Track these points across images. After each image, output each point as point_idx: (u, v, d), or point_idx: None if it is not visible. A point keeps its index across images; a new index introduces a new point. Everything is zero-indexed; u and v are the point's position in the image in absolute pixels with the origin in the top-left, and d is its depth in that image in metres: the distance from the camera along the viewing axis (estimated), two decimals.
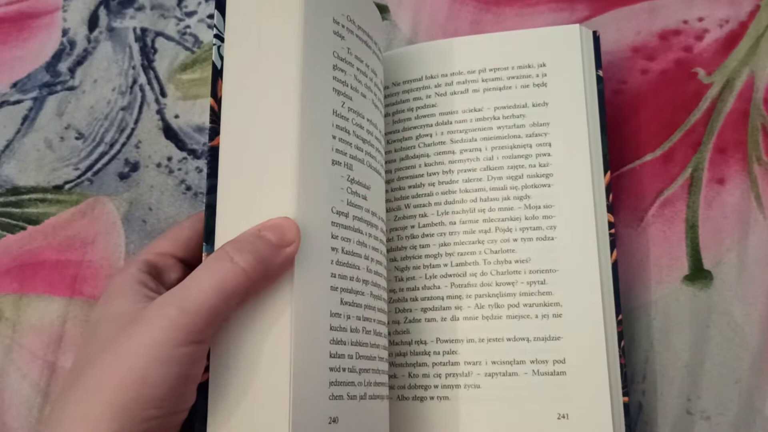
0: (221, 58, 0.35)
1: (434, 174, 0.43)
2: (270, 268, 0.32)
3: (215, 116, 0.35)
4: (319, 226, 0.34)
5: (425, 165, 0.43)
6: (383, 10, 0.49)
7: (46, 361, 0.43)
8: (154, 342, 0.30)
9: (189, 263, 0.38)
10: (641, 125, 0.46)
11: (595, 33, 0.44)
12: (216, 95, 0.35)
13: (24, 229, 0.46)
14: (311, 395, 0.32)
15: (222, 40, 0.36)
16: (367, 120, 0.38)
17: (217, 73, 0.35)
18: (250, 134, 0.34)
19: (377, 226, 0.37)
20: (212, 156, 0.34)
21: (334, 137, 0.35)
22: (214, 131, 0.35)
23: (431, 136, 0.43)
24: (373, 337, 0.36)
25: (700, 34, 0.47)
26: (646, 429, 0.42)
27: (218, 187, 0.34)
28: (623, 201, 0.45)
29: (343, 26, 0.37)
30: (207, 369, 0.32)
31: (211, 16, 0.49)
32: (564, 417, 0.39)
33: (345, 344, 0.34)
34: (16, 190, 0.46)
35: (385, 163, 0.42)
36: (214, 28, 0.36)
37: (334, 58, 0.36)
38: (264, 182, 0.33)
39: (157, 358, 0.29)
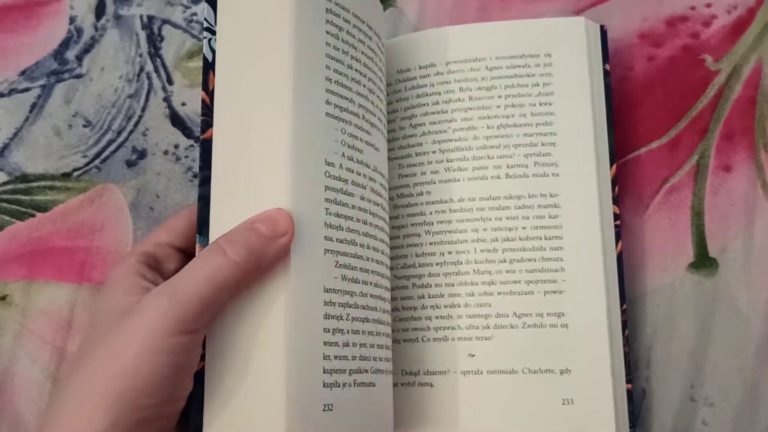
0: (212, 51, 0.36)
1: (436, 162, 0.43)
2: (262, 259, 0.32)
3: (207, 109, 0.35)
4: (313, 216, 0.34)
5: (428, 153, 0.43)
6: None
7: (55, 347, 0.44)
8: (146, 332, 0.30)
9: (187, 253, 0.38)
10: (648, 112, 0.46)
11: (602, 27, 0.44)
12: (207, 88, 0.35)
13: (33, 216, 0.46)
14: (306, 383, 0.32)
15: (213, 33, 0.36)
16: (364, 109, 0.38)
17: (209, 66, 0.35)
18: (242, 126, 0.34)
19: (377, 215, 0.37)
20: (204, 148, 0.35)
21: (327, 127, 0.35)
22: (206, 124, 0.35)
23: (433, 124, 0.43)
24: (371, 325, 0.36)
25: (708, 20, 0.47)
26: (650, 415, 0.42)
27: (212, 179, 0.34)
28: (629, 188, 0.45)
29: (337, 15, 0.37)
30: (203, 357, 0.33)
31: None
32: (569, 402, 0.40)
33: (339, 332, 0.34)
34: (25, 178, 0.47)
35: (387, 152, 0.43)
36: (205, 22, 0.36)
37: (327, 48, 0.36)
38: (257, 173, 0.34)
39: (149, 348, 0.30)
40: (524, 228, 0.41)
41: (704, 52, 0.46)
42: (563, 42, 0.43)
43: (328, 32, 0.36)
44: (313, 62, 0.35)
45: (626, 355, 0.41)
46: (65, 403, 0.31)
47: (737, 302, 0.43)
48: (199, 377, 0.33)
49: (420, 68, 0.44)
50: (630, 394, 0.41)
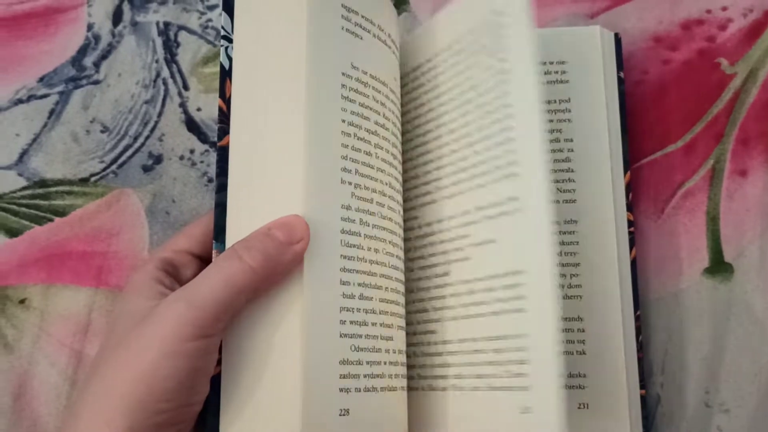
0: (229, 59, 0.36)
1: (449, 165, 0.43)
2: (278, 265, 0.32)
3: (224, 116, 0.35)
4: (328, 222, 0.34)
5: (438, 158, 0.43)
6: (402, 1, 0.49)
7: (73, 350, 0.44)
8: (163, 337, 0.30)
9: (205, 259, 0.39)
10: (663, 116, 0.46)
11: (616, 35, 0.44)
12: (224, 96, 0.36)
13: (51, 220, 0.47)
14: (322, 388, 0.32)
15: (230, 41, 0.36)
16: (379, 114, 0.38)
17: (226, 74, 0.36)
18: (259, 134, 0.35)
19: (392, 219, 0.38)
20: (221, 155, 0.35)
21: (343, 133, 0.35)
22: (223, 131, 0.35)
23: (444, 125, 0.43)
24: (386, 329, 0.36)
25: (724, 23, 0.46)
26: (665, 421, 0.42)
27: (228, 186, 0.35)
28: (644, 192, 0.45)
29: (352, 22, 0.37)
30: (220, 362, 0.33)
31: None
32: (584, 407, 0.40)
33: (356, 338, 0.34)
34: (43, 183, 0.47)
35: (401, 152, 0.43)
36: (222, 30, 0.36)
37: (343, 54, 0.36)
38: (273, 180, 0.34)
39: (166, 353, 0.30)
40: None
41: (720, 55, 0.46)
42: (579, 50, 0.43)
43: (343, 39, 0.36)
44: (329, 69, 0.35)
45: (640, 360, 0.41)
46: (84, 406, 0.31)
47: (753, 308, 0.42)
48: (216, 382, 0.33)
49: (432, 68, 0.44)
50: (644, 399, 0.41)
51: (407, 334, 0.42)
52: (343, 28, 0.36)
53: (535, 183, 0.36)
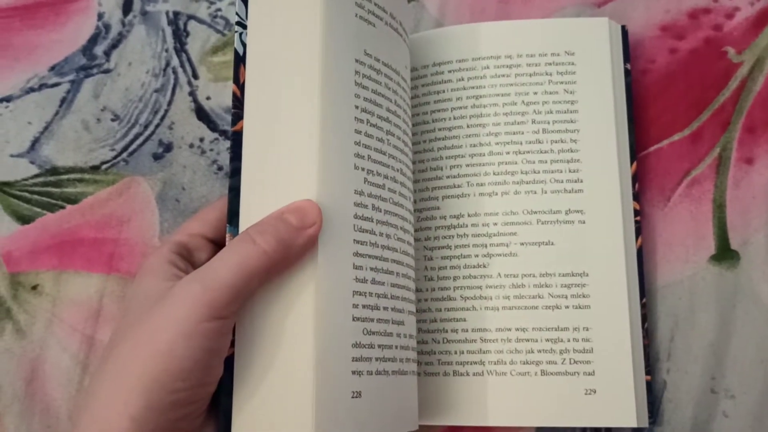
0: (243, 45, 0.36)
1: (462, 157, 0.43)
2: (291, 249, 0.33)
3: (238, 102, 0.36)
4: (342, 207, 0.34)
5: (453, 147, 0.44)
6: None
7: (85, 335, 0.45)
8: (179, 317, 0.31)
9: (218, 243, 0.39)
10: (669, 105, 0.46)
11: (623, 27, 0.45)
12: (238, 81, 0.36)
13: (63, 208, 0.47)
14: (334, 370, 0.33)
15: (244, 27, 0.36)
16: (391, 101, 0.38)
17: (240, 60, 0.36)
18: (272, 119, 0.35)
19: (403, 206, 0.38)
20: (235, 140, 0.35)
21: (356, 119, 0.36)
22: (237, 116, 0.36)
23: (460, 119, 0.44)
24: (398, 314, 0.36)
25: (731, 12, 0.47)
26: (671, 406, 0.42)
27: (242, 171, 0.35)
28: (650, 181, 0.45)
29: (365, 9, 0.37)
30: (234, 343, 0.34)
31: None
32: (592, 392, 0.40)
33: (368, 321, 0.35)
34: (55, 171, 0.48)
35: (413, 141, 0.43)
36: (236, 16, 0.37)
37: (356, 41, 0.36)
38: (287, 165, 0.34)
39: (182, 333, 0.31)
40: (547, 222, 0.42)
41: (727, 44, 0.46)
42: (587, 42, 0.44)
43: (357, 25, 0.37)
44: (343, 55, 0.36)
45: (646, 347, 0.41)
46: (100, 385, 0.31)
47: (759, 295, 0.43)
48: (229, 363, 0.33)
49: (446, 63, 0.45)
50: (649, 385, 0.41)
51: (424, 320, 0.42)
52: (356, 15, 0.37)
53: (602, 201, 0.42)
